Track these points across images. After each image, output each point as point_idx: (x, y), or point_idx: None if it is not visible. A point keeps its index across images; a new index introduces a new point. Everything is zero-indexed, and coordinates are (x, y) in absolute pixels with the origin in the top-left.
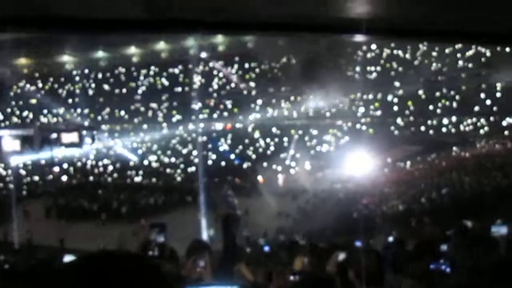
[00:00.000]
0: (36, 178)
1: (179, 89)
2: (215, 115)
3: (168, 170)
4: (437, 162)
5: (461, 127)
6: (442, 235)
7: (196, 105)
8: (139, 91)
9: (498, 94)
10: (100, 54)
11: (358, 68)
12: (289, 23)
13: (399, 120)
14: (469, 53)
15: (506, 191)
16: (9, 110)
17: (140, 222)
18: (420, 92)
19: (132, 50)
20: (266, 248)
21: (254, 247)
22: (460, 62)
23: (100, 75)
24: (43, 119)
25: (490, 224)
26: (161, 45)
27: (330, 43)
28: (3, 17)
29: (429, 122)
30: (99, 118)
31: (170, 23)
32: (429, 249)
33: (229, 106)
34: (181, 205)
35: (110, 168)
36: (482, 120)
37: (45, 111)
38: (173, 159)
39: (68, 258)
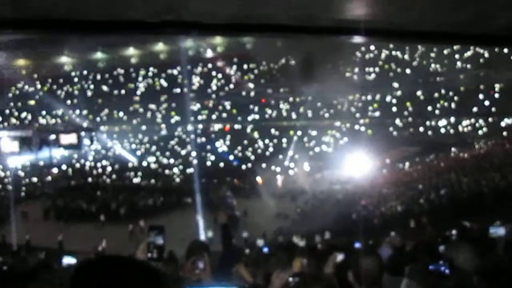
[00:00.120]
0: (35, 179)
1: (177, 90)
2: (213, 116)
3: (166, 171)
4: (436, 163)
5: (460, 128)
6: (441, 236)
7: (195, 106)
8: (138, 92)
9: (497, 95)
10: (99, 55)
11: (356, 69)
12: (288, 25)
13: (397, 121)
14: (468, 54)
15: (504, 192)
16: (7, 111)
17: (138, 223)
18: (419, 93)
19: (131, 51)
20: (265, 249)
21: (253, 248)
22: (459, 63)
23: (98, 76)
24: (42, 120)
25: (489, 225)
26: (160, 47)
27: (328, 44)
28: (2, 19)
29: (427, 123)
30: (98, 119)
31: (168, 24)
32: (428, 250)
33: (228, 107)
34: (179, 206)
35: (109, 169)
36: (481, 121)
37: (44, 112)
38: (171, 160)
39: (66, 259)
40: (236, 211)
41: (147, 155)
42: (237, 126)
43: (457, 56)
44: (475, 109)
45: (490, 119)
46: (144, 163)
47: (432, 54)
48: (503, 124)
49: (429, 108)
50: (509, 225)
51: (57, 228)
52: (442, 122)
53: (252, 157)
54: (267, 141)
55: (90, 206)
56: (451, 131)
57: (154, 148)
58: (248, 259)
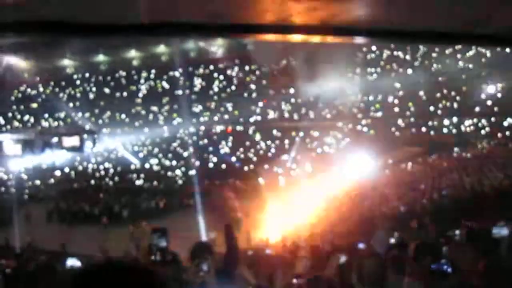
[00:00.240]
0: (38, 182)
1: (179, 92)
2: (215, 118)
3: (169, 173)
4: (438, 163)
5: (462, 128)
6: (443, 236)
7: (197, 108)
8: (140, 94)
9: (499, 95)
10: (101, 58)
11: (358, 70)
12: (288, 26)
13: (400, 122)
14: (470, 54)
15: (507, 192)
16: (10, 114)
17: (137, 225)
18: (421, 93)
19: (133, 53)
20: (268, 251)
21: (255, 250)
22: (461, 63)
23: (100, 79)
24: (44, 123)
25: (492, 225)
26: (161, 49)
27: (330, 45)
28: (4, 22)
29: (430, 123)
30: (100, 121)
31: (170, 26)
32: (430, 250)
33: (230, 108)
34: (182, 208)
35: (111, 171)
36: (483, 121)
37: (46, 115)
38: (174, 162)
39: (70, 261)
40: (238, 213)
41: (149, 157)
42: (239, 128)
43: (459, 55)
44: (477, 109)
45: (492, 119)
46: (147, 165)
47: (434, 54)
48: (505, 123)
49: (431, 108)
50: None
51: (60, 231)
52: (445, 122)
53: (254, 159)
54: (269, 142)
55: (93, 209)
56: (454, 131)
57: (156, 150)
58: (251, 260)
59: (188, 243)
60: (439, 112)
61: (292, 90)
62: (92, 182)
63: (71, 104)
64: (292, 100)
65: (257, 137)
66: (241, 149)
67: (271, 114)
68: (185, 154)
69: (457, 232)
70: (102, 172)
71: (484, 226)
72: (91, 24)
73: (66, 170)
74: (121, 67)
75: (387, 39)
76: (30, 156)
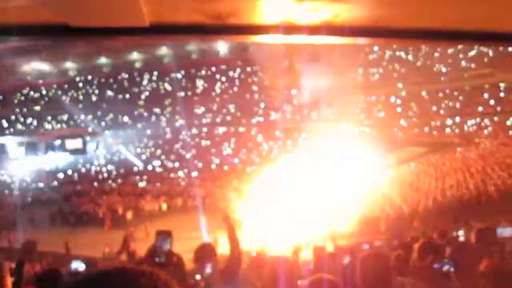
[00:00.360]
0: (41, 184)
1: (182, 93)
2: (218, 119)
3: (172, 175)
4: (441, 163)
5: (465, 128)
6: (447, 236)
7: (199, 110)
8: (142, 96)
9: (502, 94)
10: (103, 60)
11: (360, 70)
12: (290, 27)
13: (402, 122)
14: (472, 53)
15: (511, 192)
16: (13, 117)
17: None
18: (423, 93)
19: (135, 55)
20: (272, 252)
21: (259, 251)
22: (463, 63)
23: (103, 81)
24: (47, 126)
25: (496, 226)
26: (164, 50)
27: (332, 45)
28: (7, 25)
29: (432, 123)
30: (103, 123)
31: (172, 28)
32: (433, 250)
33: (232, 110)
34: (185, 210)
35: (114, 173)
36: (486, 120)
37: (49, 118)
38: (176, 164)
39: (75, 264)
40: (241, 214)
41: (152, 159)
42: (241, 129)
43: (461, 55)
44: (480, 108)
45: (495, 118)
46: (149, 167)
47: (436, 54)
48: (508, 123)
49: (434, 108)
50: None
51: (63, 233)
52: (447, 122)
53: (257, 160)
54: (271, 143)
55: (96, 211)
56: (456, 130)
57: (159, 151)
58: (254, 262)
59: (191, 245)
60: (441, 112)
61: (294, 91)
62: (95, 184)
63: (74, 107)
64: (295, 101)
65: (260, 138)
66: (244, 150)
67: (274, 115)
68: (188, 155)
69: (461, 232)
70: (105, 174)
71: (488, 226)
72: (94, 27)
73: (69, 172)
74: (124, 69)
75: (390, 39)
76: (33, 158)
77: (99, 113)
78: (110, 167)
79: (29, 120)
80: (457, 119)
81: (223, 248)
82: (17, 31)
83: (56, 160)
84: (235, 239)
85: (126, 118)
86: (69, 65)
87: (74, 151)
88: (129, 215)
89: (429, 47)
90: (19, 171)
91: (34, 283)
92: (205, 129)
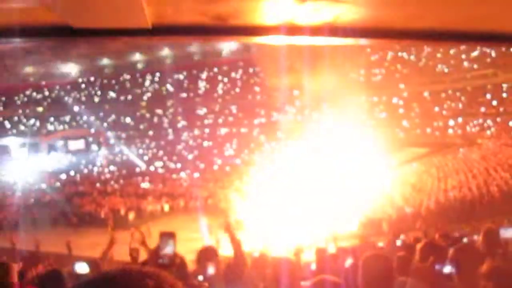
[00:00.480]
0: (43, 185)
1: (184, 95)
2: (220, 120)
3: (174, 176)
4: (444, 164)
5: (468, 129)
6: (449, 237)
7: (201, 111)
8: (145, 98)
9: (505, 95)
10: (105, 61)
11: (362, 71)
12: (292, 28)
13: (404, 123)
14: (474, 54)
15: None
16: (16, 118)
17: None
18: (426, 93)
19: (137, 57)
20: (274, 253)
21: (261, 252)
22: (465, 63)
23: (105, 82)
24: (50, 127)
25: (499, 226)
26: (166, 52)
27: (335, 46)
28: (10, 26)
29: (434, 123)
30: (105, 125)
31: (174, 30)
32: (435, 251)
33: (234, 111)
34: (187, 210)
35: (117, 174)
36: (489, 121)
37: (52, 119)
38: (179, 165)
39: (79, 267)
40: (243, 215)
41: (154, 160)
42: (243, 130)
43: (463, 56)
44: (483, 109)
45: (498, 119)
46: (152, 168)
47: (439, 55)
48: (511, 124)
49: (436, 108)
50: None
51: (66, 234)
52: (450, 123)
53: (259, 160)
54: (273, 144)
55: (98, 212)
56: (459, 131)
57: (161, 152)
58: (257, 263)
59: (193, 246)
60: (444, 112)
61: (296, 92)
62: (97, 185)
63: (76, 108)
64: (297, 102)
65: (262, 139)
66: (246, 151)
67: (275, 116)
68: (190, 156)
69: (464, 233)
70: (107, 175)
71: (491, 227)
72: (97, 28)
73: (72, 173)
74: (126, 70)
75: (392, 40)
76: (36, 159)
77: (101, 114)
78: (112, 168)
79: (32, 121)
80: (460, 119)
81: (225, 249)
82: (21, 32)
83: (58, 161)
84: (238, 247)
85: (128, 119)
86: (72, 66)
87: (77, 152)
88: (131, 216)
89: (431, 48)
90: (22, 172)
91: (36, 284)
92: (207, 130)
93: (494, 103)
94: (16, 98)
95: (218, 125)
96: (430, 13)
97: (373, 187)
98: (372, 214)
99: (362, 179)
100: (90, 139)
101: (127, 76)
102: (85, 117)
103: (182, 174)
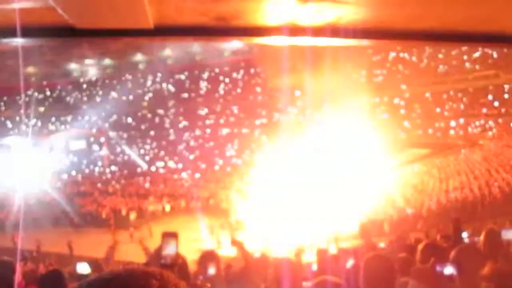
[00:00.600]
0: (45, 185)
1: (185, 95)
2: (221, 121)
3: (175, 176)
4: (445, 165)
5: (469, 130)
6: (450, 238)
7: (203, 111)
8: (146, 98)
9: (506, 96)
10: (107, 61)
11: (364, 72)
12: (294, 28)
13: (406, 123)
14: (476, 55)
15: None
16: (17, 118)
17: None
18: (427, 94)
19: (139, 57)
20: (275, 254)
21: (262, 253)
22: (467, 64)
23: (107, 82)
24: (51, 127)
25: (500, 228)
26: (167, 52)
27: (336, 46)
28: (11, 27)
29: (436, 124)
30: (106, 125)
31: (176, 30)
32: (436, 252)
33: (236, 111)
34: (188, 211)
35: (118, 174)
36: (491, 122)
37: (53, 119)
38: (180, 165)
39: (80, 268)
40: (244, 215)
41: (156, 160)
42: (245, 130)
43: (465, 57)
44: (484, 110)
45: (500, 120)
46: (153, 168)
47: (440, 56)
48: None
49: (438, 109)
50: None
51: (67, 234)
52: (451, 124)
53: (260, 161)
54: (275, 144)
55: (100, 212)
56: (460, 132)
57: (162, 153)
58: (258, 263)
59: (195, 246)
60: (445, 113)
61: (298, 92)
62: (99, 185)
63: (77, 108)
64: (298, 102)
65: (263, 139)
66: (247, 152)
67: (277, 117)
68: (191, 157)
69: (465, 234)
70: (109, 175)
71: (492, 229)
72: (99, 28)
73: (73, 173)
74: (127, 70)
75: (393, 40)
76: (37, 159)
77: (103, 114)
78: (113, 168)
79: (33, 121)
80: (461, 120)
81: (225, 249)
82: (23, 32)
83: (59, 161)
84: (246, 254)
85: (129, 119)
86: (74, 66)
87: (78, 152)
88: (132, 216)
89: (432, 49)
90: (23, 172)
91: (36, 284)
92: (208, 130)
93: (496, 104)
94: (17, 98)
95: (219, 125)
96: (431, 14)
97: (374, 188)
98: (373, 215)
99: (363, 180)
100: (92, 139)
101: (129, 76)
102: (86, 117)
103: (184, 175)
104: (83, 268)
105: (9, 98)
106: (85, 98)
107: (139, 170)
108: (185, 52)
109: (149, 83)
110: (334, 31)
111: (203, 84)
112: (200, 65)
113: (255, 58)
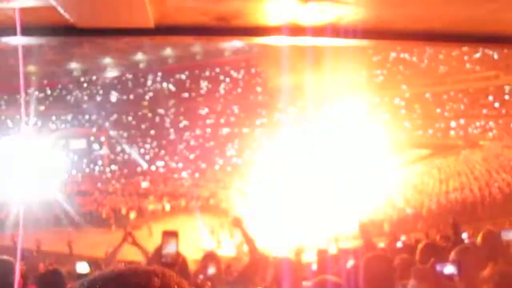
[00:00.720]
0: (45, 184)
1: (185, 94)
2: (222, 120)
3: (175, 176)
4: (445, 166)
5: (470, 130)
6: (451, 239)
7: (203, 111)
8: (146, 97)
9: (506, 97)
10: (107, 60)
11: (364, 72)
12: (295, 28)
13: (406, 124)
14: (476, 55)
15: None
16: (18, 117)
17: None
18: (427, 95)
19: (139, 56)
20: (275, 254)
21: (263, 253)
22: (468, 65)
23: (107, 82)
24: (52, 126)
25: (500, 228)
26: (168, 51)
27: (337, 46)
28: (11, 26)
29: (436, 125)
30: (107, 124)
31: (177, 29)
32: (436, 252)
33: (236, 111)
34: (188, 210)
35: (118, 174)
36: (491, 123)
37: (54, 118)
38: (180, 165)
39: (80, 267)
40: (244, 215)
41: (156, 160)
42: (245, 130)
43: (466, 57)
44: (485, 111)
45: (500, 121)
46: (153, 168)
47: (441, 56)
48: None
49: (438, 110)
50: None
51: (67, 233)
52: (452, 124)
53: (261, 161)
54: (275, 144)
55: (100, 211)
56: (461, 133)
57: (162, 152)
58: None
59: (195, 245)
60: (446, 114)
61: (298, 92)
62: (99, 184)
63: (78, 107)
64: (298, 102)
65: (264, 139)
66: (248, 151)
67: (277, 116)
68: (191, 156)
69: (465, 235)
70: (109, 175)
71: (490, 230)
72: (100, 28)
73: (73, 172)
74: (128, 70)
75: (394, 41)
76: (38, 158)
77: (103, 113)
78: (113, 167)
79: (34, 120)
80: (462, 121)
81: (225, 249)
82: (24, 31)
83: (60, 160)
84: (251, 242)
85: (130, 119)
86: (74, 65)
87: (78, 151)
88: (132, 215)
89: (433, 49)
90: (23, 171)
91: (36, 283)
92: (208, 130)
93: (496, 105)
94: (18, 97)
95: (219, 125)
96: (432, 14)
97: (374, 188)
98: (373, 215)
99: (363, 180)
100: (92, 138)
101: (129, 76)
102: (87, 116)
103: (184, 174)
104: (82, 268)
105: (10, 97)
106: (85, 97)
107: (139, 169)
108: (185, 51)
109: (149, 82)
110: (335, 31)
111: (204, 84)
112: (201, 64)
113: (256, 58)
